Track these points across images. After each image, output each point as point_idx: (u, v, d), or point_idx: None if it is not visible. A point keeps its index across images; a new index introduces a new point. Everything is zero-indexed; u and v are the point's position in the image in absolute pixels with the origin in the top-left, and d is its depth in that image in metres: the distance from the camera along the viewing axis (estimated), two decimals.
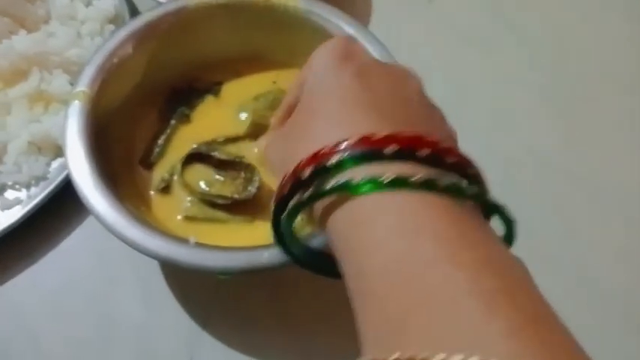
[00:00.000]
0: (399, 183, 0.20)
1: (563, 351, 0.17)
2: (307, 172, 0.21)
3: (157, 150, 0.40)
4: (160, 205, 0.37)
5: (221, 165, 0.37)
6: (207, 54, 0.42)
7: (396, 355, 0.16)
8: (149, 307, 0.38)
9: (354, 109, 0.23)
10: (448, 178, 0.20)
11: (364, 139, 0.21)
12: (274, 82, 0.43)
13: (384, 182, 0.20)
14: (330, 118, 0.23)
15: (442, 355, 0.15)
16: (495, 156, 0.43)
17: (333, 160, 0.21)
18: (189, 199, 0.37)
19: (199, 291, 0.38)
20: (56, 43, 0.46)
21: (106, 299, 0.38)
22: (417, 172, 0.20)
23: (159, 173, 0.39)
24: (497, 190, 0.40)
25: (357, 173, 0.20)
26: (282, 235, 0.25)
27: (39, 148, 0.43)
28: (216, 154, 0.37)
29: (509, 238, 0.23)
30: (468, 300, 0.17)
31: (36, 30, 0.47)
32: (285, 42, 0.42)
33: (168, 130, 0.40)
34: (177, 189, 0.38)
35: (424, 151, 0.20)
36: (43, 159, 0.43)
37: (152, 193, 0.38)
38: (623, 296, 0.38)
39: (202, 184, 0.37)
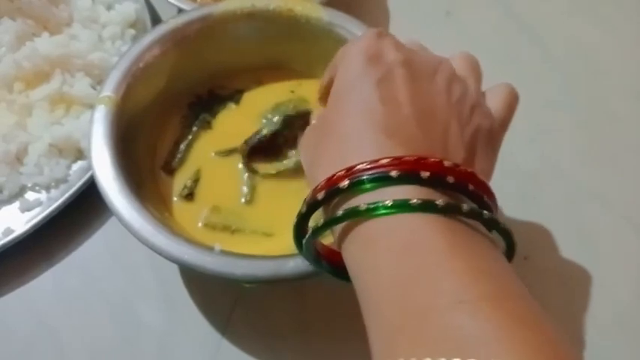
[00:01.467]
0: (399, 206, 0.22)
1: (552, 353, 0.18)
2: (322, 195, 0.24)
3: (178, 156, 0.40)
4: (182, 211, 0.37)
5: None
6: (230, 62, 0.42)
7: None
8: (169, 312, 0.38)
9: (370, 131, 0.24)
10: (446, 199, 0.22)
11: (372, 164, 0.23)
12: (292, 92, 0.43)
13: (388, 206, 0.22)
14: (346, 140, 0.25)
15: None
16: (513, 168, 0.43)
17: (344, 184, 0.23)
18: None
19: (219, 297, 0.38)
20: (79, 46, 0.46)
21: (126, 303, 0.38)
22: (417, 194, 0.22)
23: (181, 179, 0.39)
24: (514, 203, 0.41)
25: (365, 198, 0.22)
26: (304, 250, 0.27)
27: (60, 151, 0.44)
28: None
29: (509, 251, 0.25)
30: (455, 308, 0.19)
31: (58, 33, 0.48)
32: (306, 52, 0.42)
33: (190, 137, 0.41)
34: (199, 196, 0.38)
35: (425, 174, 0.22)
36: (64, 161, 0.43)
37: (175, 199, 0.38)
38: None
39: None
